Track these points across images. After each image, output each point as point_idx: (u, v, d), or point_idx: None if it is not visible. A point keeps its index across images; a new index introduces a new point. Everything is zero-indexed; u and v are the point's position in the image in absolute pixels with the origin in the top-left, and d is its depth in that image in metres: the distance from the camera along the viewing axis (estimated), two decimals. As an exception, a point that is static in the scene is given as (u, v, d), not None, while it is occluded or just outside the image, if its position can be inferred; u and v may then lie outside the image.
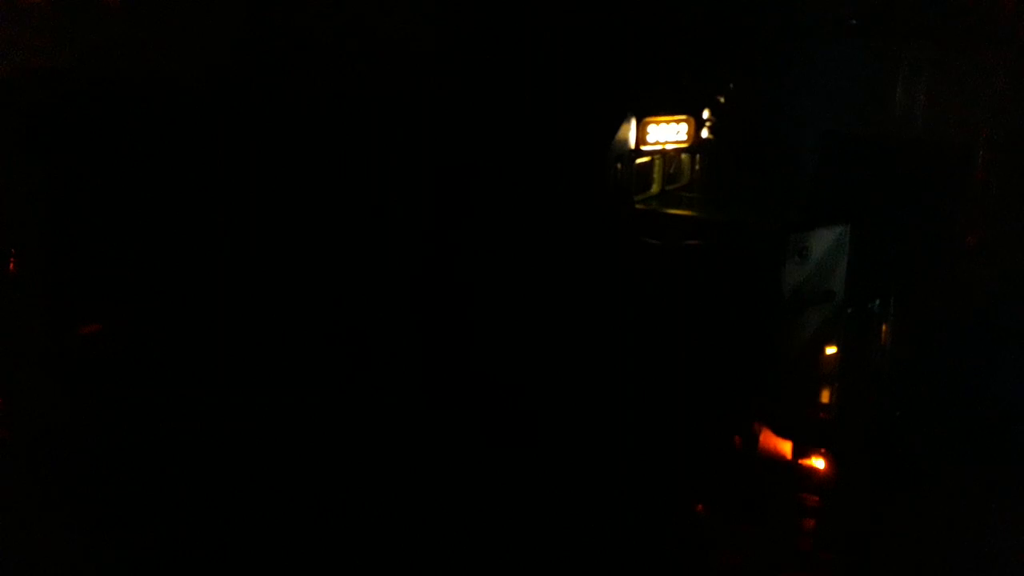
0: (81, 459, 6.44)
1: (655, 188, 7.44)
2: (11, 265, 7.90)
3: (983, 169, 7.82)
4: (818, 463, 6.67)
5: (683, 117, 7.13)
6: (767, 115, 7.61)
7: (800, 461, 6.63)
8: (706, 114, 7.25)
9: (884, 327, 6.90)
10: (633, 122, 6.94)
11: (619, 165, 6.88)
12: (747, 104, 7.53)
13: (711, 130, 7.29)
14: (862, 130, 7.84)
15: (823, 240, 6.57)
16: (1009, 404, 6.67)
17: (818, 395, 6.67)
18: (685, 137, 7.20)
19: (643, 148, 7.05)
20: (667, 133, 7.09)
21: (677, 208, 7.18)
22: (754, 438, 6.50)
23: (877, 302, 6.66)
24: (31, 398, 6.88)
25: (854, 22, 7.91)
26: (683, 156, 7.56)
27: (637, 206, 7.15)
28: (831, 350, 6.72)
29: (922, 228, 7.39)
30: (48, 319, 7.39)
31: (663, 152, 7.26)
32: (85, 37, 8.04)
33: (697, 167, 7.64)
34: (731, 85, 7.23)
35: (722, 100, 7.22)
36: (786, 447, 6.64)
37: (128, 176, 7.46)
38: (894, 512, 6.17)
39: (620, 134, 6.86)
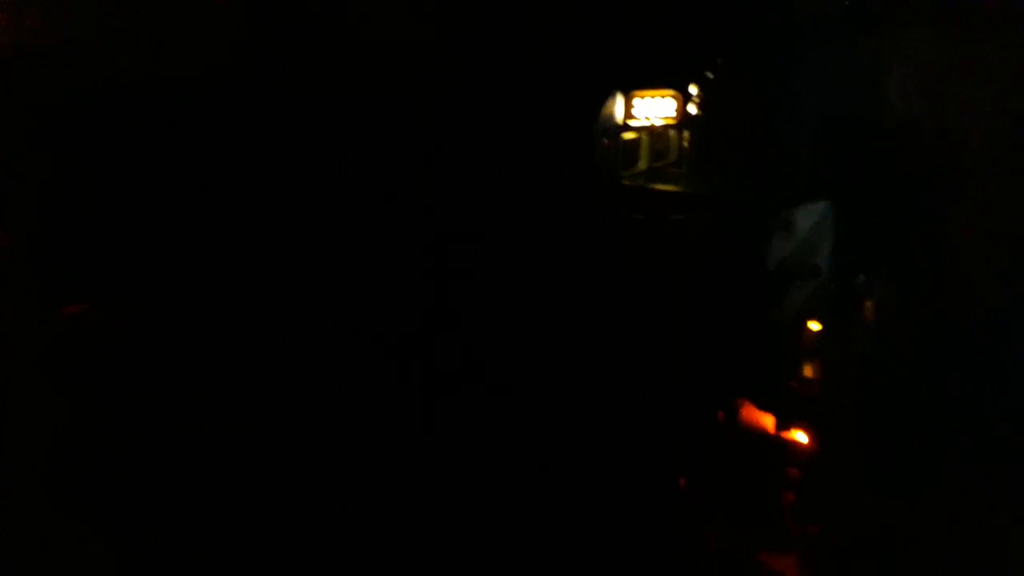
0: (70, 456, 6.33)
1: (642, 164, 7.45)
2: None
3: (979, 156, 7.76)
4: (801, 437, 6.70)
5: (670, 92, 7.13)
6: (757, 95, 7.60)
7: (783, 435, 6.65)
8: (694, 90, 7.25)
9: (869, 303, 6.90)
10: (620, 96, 6.95)
11: (606, 140, 6.90)
12: (737, 82, 7.53)
13: (699, 106, 7.29)
14: (856, 114, 7.78)
15: (809, 215, 6.58)
16: (1009, 404, 6.52)
17: (802, 369, 6.66)
18: (673, 113, 7.21)
19: (630, 123, 7.07)
20: (654, 108, 7.11)
21: (664, 184, 7.19)
22: (735, 411, 6.51)
23: (862, 277, 6.66)
24: (14, 388, 6.83)
25: (847, 2, 7.86)
26: (671, 133, 7.55)
27: (624, 182, 7.17)
28: (816, 325, 6.72)
29: (915, 214, 7.37)
30: (32, 299, 7.31)
31: (650, 128, 7.28)
32: (82, 17, 7.99)
33: (685, 144, 7.64)
34: (719, 60, 7.23)
35: (710, 76, 7.22)
36: (768, 421, 6.66)
37: (122, 161, 7.42)
38: (892, 511, 6.16)
39: (606, 109, 6.88)
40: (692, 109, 7.31)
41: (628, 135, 7.19)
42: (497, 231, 6.70)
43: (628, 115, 7.04)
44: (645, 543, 6.23)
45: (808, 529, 6.50)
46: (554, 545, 6.05)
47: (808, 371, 6.66)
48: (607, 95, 6.82)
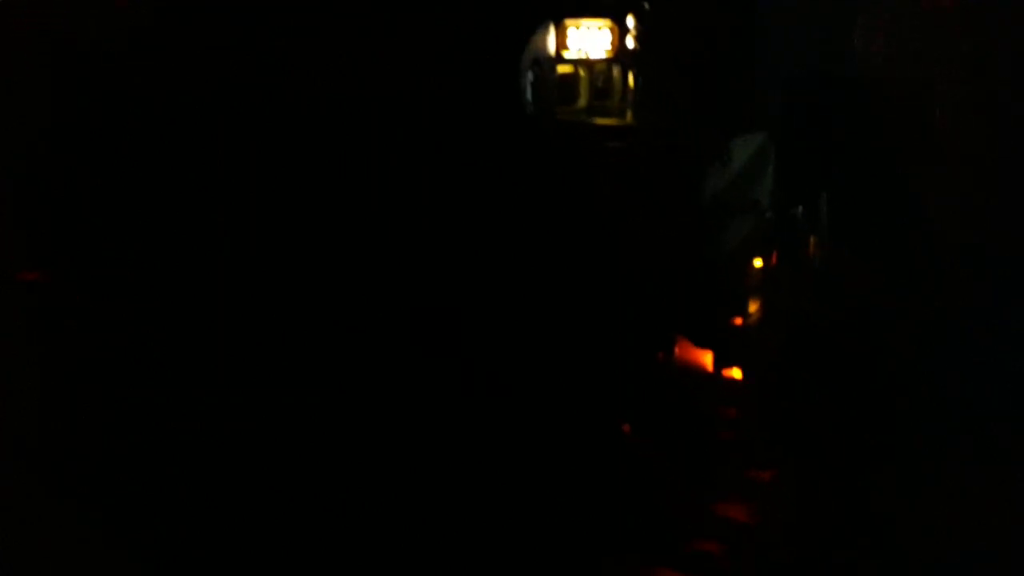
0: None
1: (582, 102, 7.22)
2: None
3: (942, 107, 7.57)
4: (742, 375, 6.54)
5: (606, 22, 6.88)
6: (694, 25, 7.36)
7: (723, 372, 6.49)
8: (631, 22, 7.01)
9: (812, 239, 6.73)
10: (552, 27, 6.71)
11: (539, 71, 6.66)
12: (674, 13, 7.27)
13: (637, 40, 7.05)
14: (798, 46, 7.46)
15: (746, 147, 6.37)
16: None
17: (741, 306, 6.48)
18: (609, 45, 6.97)
19: (564, 55, 6.82)
20: (589, 39, 6.86)
21: (604, 118, 6.97)
22: (672, 349, 6.33)
23: (800, 209, 6.46)
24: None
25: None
26: (614, 72, 7.32)
27: (562, 117, 6.95)
28: (756, 261, 6.54)
29: (875, 162, 7.20)
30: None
31: (587, 62, 7.04)
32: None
33: (630, 83, 7.40)
34: (654, -11, 6.98)
35: (647, 6, 6.97)
36: (707, 358, 6.49)
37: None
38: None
39: (538, 40, 6.64)
40: (629, 42, 7.06)
41: (563, 68, 6.94)
42: (423, 165, 6.48)
43: (561, 46, 6.79)
44: (594, 496, 6.03)
45: (762, 476, 6.37)
46: (500, 502, 5.89)
47: (748, 307, 6.48)
48: (536, 24, 6.56)
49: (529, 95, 6.61)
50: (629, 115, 7.11)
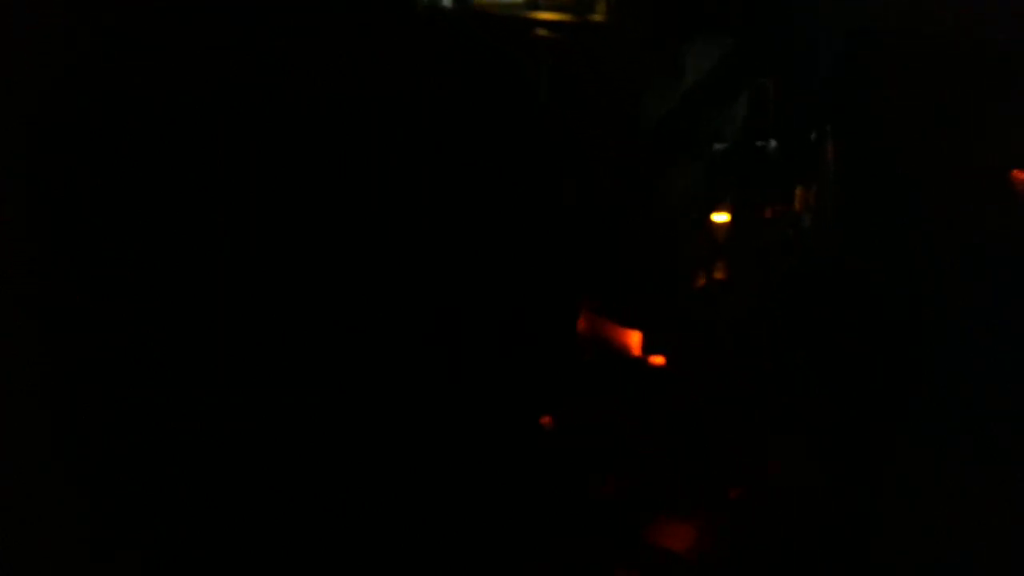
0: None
1: None
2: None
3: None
4: (684, 365, 5.13)
5: None
6: None
7: (651, 359, 5.07)
8: None
9: (798, 190, 5.16)
10: None
11: None
12: None
13: None
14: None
15: (706, 55, 4.77)
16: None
17: (684, 274, 5.02)
18: None
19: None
20: None
21: (547, 12, 5.47)
22: (575, 326, 4.90)
23: (772, 143, 4.86)
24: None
25: None
26: None
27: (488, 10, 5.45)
28: (714, 215, 5.03)
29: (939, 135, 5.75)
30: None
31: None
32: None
33: None
34: None
35: None
36: (633, 340, 5.06)
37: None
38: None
39: None
40: None
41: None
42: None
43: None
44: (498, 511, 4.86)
45: (729, 493, 5.21)
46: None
47: (694, 275, 5.04)
48: None
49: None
50: (581, 8, 5.59)
